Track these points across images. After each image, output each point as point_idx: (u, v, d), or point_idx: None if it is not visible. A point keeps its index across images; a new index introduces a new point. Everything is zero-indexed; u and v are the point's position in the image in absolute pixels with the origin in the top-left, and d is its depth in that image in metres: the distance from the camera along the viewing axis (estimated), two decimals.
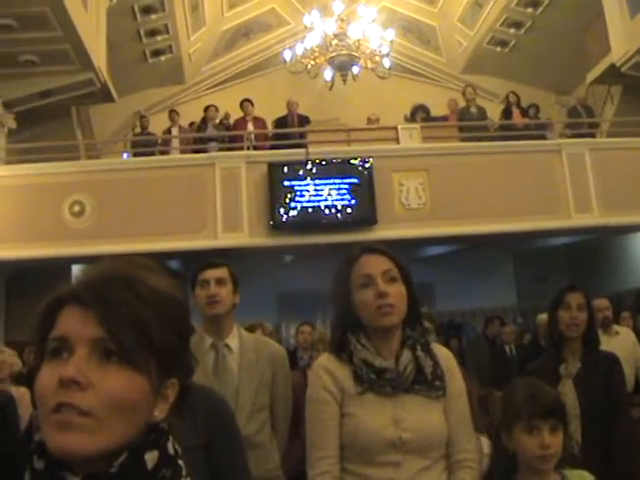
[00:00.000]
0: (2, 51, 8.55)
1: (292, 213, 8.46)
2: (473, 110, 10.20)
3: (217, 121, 10.49)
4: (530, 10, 11.83)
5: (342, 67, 9.52)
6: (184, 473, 0.91)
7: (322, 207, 8.51)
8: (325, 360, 1.98)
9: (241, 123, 10.17)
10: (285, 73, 10.29)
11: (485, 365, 8.01)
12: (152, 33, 11.82)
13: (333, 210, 8.53)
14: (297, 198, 8.48)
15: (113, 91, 10.41)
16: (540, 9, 11.71)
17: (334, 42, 9.41)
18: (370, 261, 1.94)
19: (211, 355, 2.81)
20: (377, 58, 9.58)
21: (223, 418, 2.08)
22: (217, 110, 10.56)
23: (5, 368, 4.93)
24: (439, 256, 11.30)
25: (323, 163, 8.65)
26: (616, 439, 2.77)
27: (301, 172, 8.56)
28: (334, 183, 8.57)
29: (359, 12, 9.86)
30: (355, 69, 9.62)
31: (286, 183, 8.50)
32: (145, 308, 0.85)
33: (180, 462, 0.92)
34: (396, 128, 9.52)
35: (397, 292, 1.89)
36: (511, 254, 12.54)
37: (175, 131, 10.58)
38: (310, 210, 8.50)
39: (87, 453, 0.80)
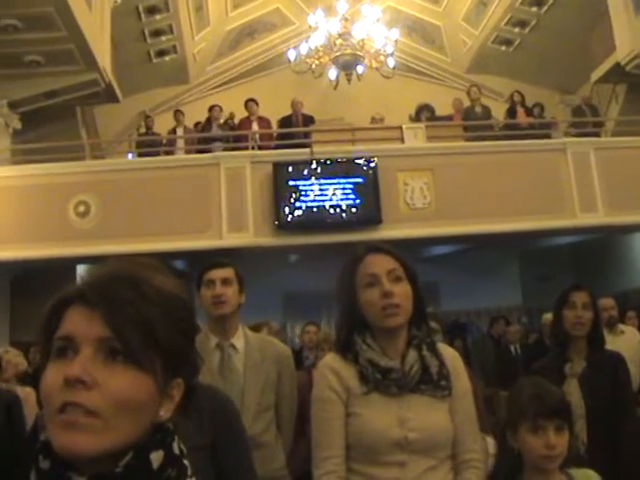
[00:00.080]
0: (7, 52, 8.56)
1: (297, 213, 8.45)
2: (478, 109, 10.17)
3: (222, 121, 10.50)
4: (535, 9, 11.82)
5: (346, 67, 9.52)
6: (189, 473, 0.91)
7: (327, 207, 8.50)
8: (331, 360, 1.98)
9: (246, 123, 10.18)
10: (289, 73, 10.31)
11: (490, 365, 7.98)
12: (156, 33, 11.85)
13: (338, 210, 8.51)
14: (302, 198, 8.47)
15: (118, 91, 10.41)
16: (545, 8, 11.69)
17: (338, 42, 9.42)
18: (375, 260, 1.94)
19: (217, 355, 2.80)
20: (382, 57, 9.59)
21: (229, 418, 2.07)
22: (222, 110, 10.57)
23: (10, 368, 4.95)
24: (444, 256, 11.28)
25: (328, 163, 8.64)
26: (622, 439, 2.75)
27: (306, 172, 8.55)
28: (339, 183, 8.55)
29: (363, 12, 9.86)
30: (360, 69, 9.62)
31: (291, 183, 8.49)
32: (151, 308, 0.85)
33: (185, 462, 0.92)
34: (401, 128, 9.51)
35: (402, 291, 1.89)
36: (516, 254, 12.51)
37: (180, 131, 10.59)
38: (315, 210, 8.49)
39: (93, 453, 0.80)
